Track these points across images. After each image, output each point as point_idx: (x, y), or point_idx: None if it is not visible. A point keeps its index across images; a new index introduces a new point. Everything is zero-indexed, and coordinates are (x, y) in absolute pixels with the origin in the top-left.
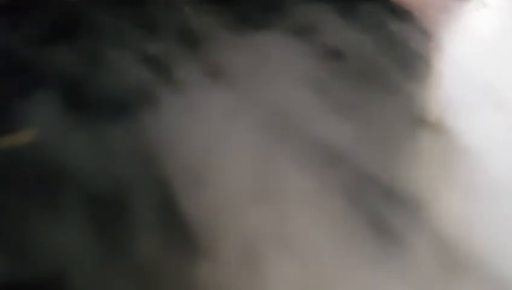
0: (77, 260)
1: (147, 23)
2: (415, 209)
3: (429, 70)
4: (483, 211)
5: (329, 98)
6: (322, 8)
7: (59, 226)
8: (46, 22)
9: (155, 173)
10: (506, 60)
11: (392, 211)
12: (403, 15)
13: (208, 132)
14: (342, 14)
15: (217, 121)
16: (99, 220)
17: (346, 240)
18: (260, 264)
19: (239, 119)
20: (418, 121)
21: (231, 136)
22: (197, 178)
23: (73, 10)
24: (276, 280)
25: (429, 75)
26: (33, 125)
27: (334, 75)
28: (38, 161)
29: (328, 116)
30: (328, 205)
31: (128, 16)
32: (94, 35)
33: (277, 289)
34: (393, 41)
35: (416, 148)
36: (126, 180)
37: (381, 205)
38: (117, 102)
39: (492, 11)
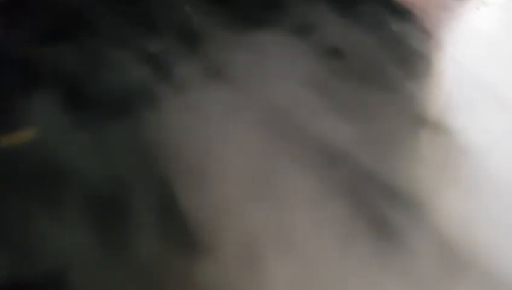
0: (77, 260)
1: (147, 22)
2: (415, 208)
3: (430, 69)
4: (484, 210)
5: (329, 97)
6: (322, 6)
7: (59, 226)
8: (46, 21)
9: (155, 173)
10: (506, 58)
11: (392, 210)
12: (404, 14)
13: (208, 131)
14: (342, 13)
15: (217, 120)
16: (99, 220)
17: (346, 240)
18: (260, 264)
19: (239, 118)
20: (418, 120)
21: (231, 135)
22: (197, 177)
23: (73, 9)
24: (276, 280)
25: (430, 74)
26: (33, 124)
27: (335, 74)
28: (38, 161)
29: (328, 115)
30: (329, 204)
31: (129, 15)
32: (94, 34)
33: (277, 289)
34: (393, 40)
35: (417, 147)
36: (126, 180)
37: (382, 204)
38: (117, 101)
39: (492, 10)
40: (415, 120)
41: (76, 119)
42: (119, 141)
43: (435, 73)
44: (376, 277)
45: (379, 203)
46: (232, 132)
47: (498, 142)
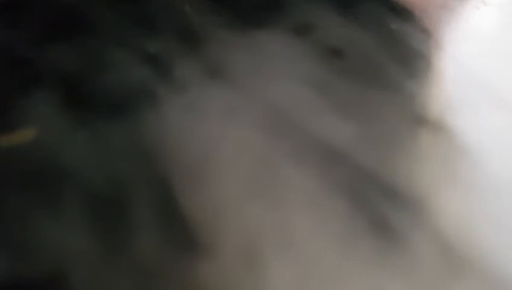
0: (77, 260)
1: (147, 21)
2: (416, 208)
3: (429, 69)
4: (484, 210)
5: (329, 96)
6: (322, 6)
7: (59, 226)
8: (45, 20)
9: (155, 172)
10: (506, 58)
11: (392, 210)
12: (403, 13)
13: (208, 131)
14: (342, 12)
15: (217, 119)
16: (99, 219)
17: (346, 239)
18: (260, 264)
19: (239, 118)
20: (418, 120)
21: (231, 135)
22: (197, 177)
23: (73, 9)
24: (276, 280)
25: (430, 74)
26: (32, 124)
27: (335, 74)
28: (38, 161)
29: (328, 114)
30: (329, 204)
31: (129, 14)
32: (94, 33)
33: (277, 288)
34: (393, 40)
35: (417, 147)
36: (126, 180)
37: (382, 203)
38: (117, 101)
39: (492, 10)
40: (415, 120)
41: (76, 119)
42: (119, 141)
43: (434, 72)
44: (376, 276)
45: (379, 203)
46: (232, 132)
47: (498, 142)
